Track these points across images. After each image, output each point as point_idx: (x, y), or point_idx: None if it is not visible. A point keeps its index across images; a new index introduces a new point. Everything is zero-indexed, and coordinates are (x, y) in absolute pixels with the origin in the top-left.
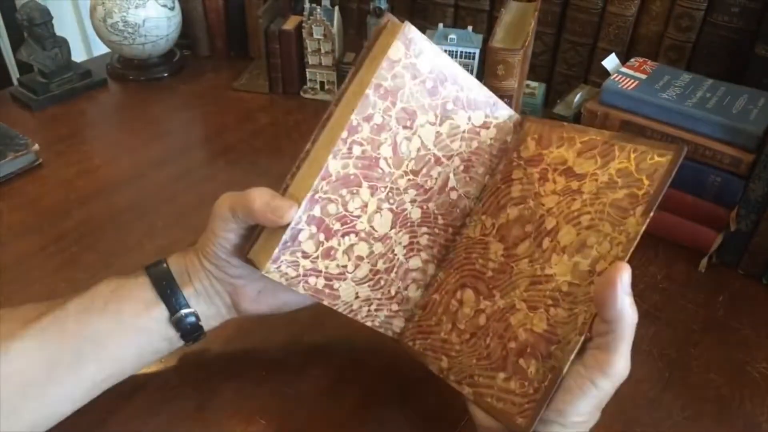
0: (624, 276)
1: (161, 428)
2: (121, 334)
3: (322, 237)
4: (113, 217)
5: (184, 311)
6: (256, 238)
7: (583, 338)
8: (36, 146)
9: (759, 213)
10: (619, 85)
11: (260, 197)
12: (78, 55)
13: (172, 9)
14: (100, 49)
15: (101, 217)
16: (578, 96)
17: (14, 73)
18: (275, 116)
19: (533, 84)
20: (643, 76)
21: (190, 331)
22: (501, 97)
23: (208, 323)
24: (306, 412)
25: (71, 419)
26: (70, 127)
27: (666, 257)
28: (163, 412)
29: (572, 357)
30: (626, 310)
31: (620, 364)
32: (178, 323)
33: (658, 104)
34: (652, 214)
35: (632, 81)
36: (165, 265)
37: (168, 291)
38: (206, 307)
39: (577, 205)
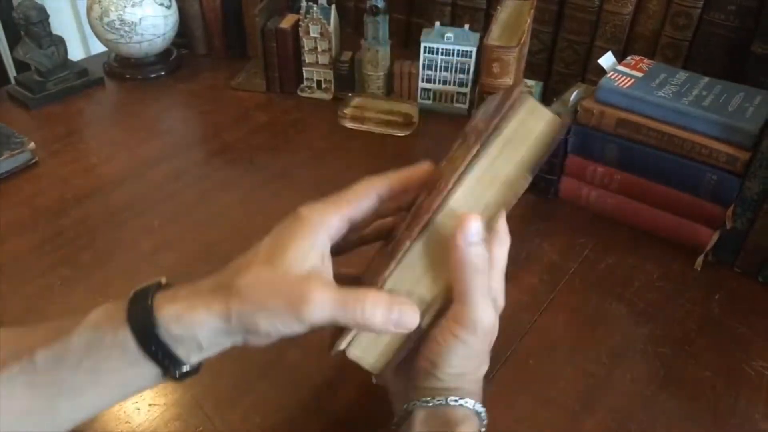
0: (467, 225)
1: (157, 424)
2: (100, 388)
3: None
4: (109, 215)
5: (183, 369)
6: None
7: (439, 291)
8: (32, 144)
9: (755, 211)
10: (615, 83)
11: (378, 311)
12: (76, 54)
13: (168, 8)
14: (99, 47)
15: (97, 215)
16: (574, 94)
17: (12, 72)
18: (272, 115)
19: (530, 82)
20: (640, 74)
21: (188, 375)
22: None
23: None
24: (303, 407)
25: None
26: (67, 125)
27: (662, 255)
28: (160, 407)
29: (428, 309)
30: (467, 259)
31: (477, 315)
32: (173, 377)
33: (654, 102)
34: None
35: (628, 79)
36: (150, 315)
37: (166, 361)
38: (210, 353)
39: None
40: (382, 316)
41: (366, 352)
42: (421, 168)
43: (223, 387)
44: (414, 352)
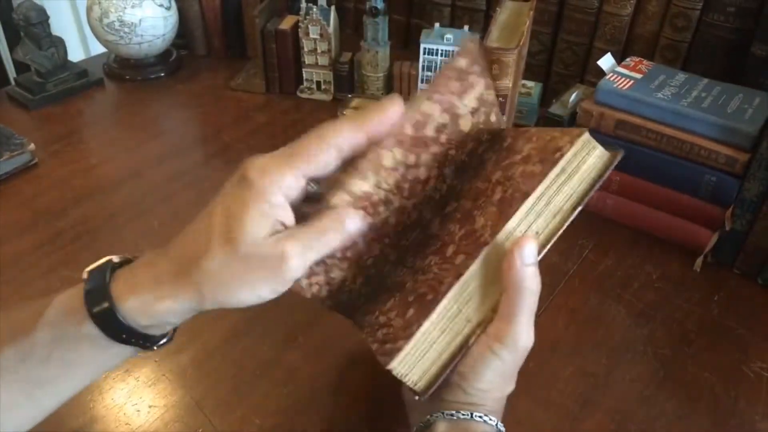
0: (524, 246)
1: (156, 426)
2: (75, 374)
3: None
4: (109, 216)
5: (155, 346)
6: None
7: (486, 311)
8: (32, 146)
9: (754, 212)
10: (614, 85)
11: (330, 229)
12: (76, 55)
13: (168, 8)
14: (99, 48)
15: (97, 216)
16: (574, 95)
17: (12, 73)
18: (272, 116)
19: (529, 84)
20: (639, 76)
21: (165, 345)
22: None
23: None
24: (301, 411)
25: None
26: (67, 126)
27: (661, 256)
28: (159, 408)
29: (475, 330)
30: (524, 280)
31: (519, 334)
32: (146, 350)
33: (653, 104)
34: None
35: (627, 80)
36: (113, 310)
37: (133, 340)
38: (178, 322)
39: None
40: (334, 232)
41: (411, 369)
42: (388, 112)
43: (223, 389)
44: None
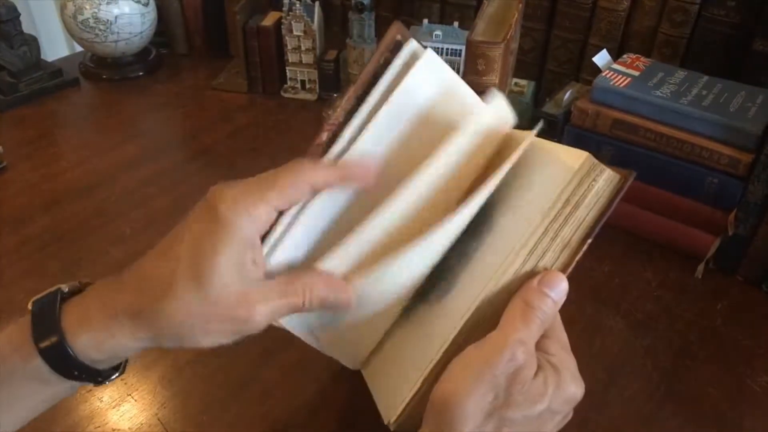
0: (558, 279)
1: None
2: (18, 410)
3: None
4: (79, 223)
5: (108, 380)
6: None
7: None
8: (0, 148)
9: (758, 216)
10: (611, 83)
11: (315, 300)
12: (60, 53)
13: (146, 5)
14: None
15: (67, 223)
16: (568, 94)
17: None
18: (254, 116)
19: (522, 82)
20: (636, 73)
21: (113, 380)
22: (481, 93)
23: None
24: (280, 429)
25: None
26: (39, 128)
27: (661, 263)
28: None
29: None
30: (535, 299)
31: (498, 337)
32: (98, 384)
33: (652, 102)
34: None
35: (624, 78)
36: (64, 344)
37: (84, 376)
38: (132, 354)
39: None
40: (320, 302)
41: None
42: (366, 162)
43: (193, 409)
44: None
